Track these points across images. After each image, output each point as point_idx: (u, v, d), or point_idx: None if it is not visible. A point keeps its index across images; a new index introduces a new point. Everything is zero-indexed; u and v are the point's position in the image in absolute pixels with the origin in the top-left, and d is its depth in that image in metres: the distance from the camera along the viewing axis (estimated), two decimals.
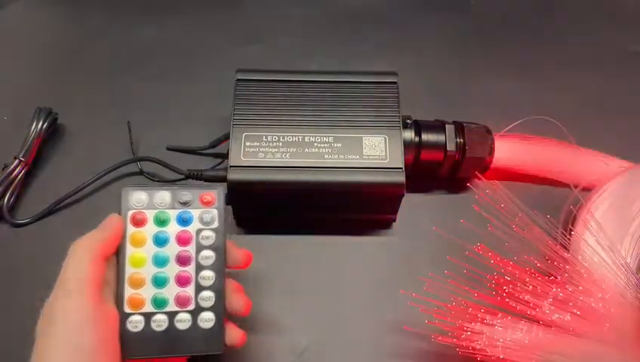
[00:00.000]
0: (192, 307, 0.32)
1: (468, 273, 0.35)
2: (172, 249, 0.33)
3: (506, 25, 0.61)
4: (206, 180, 0.44)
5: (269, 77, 0.44)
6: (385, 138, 0.42)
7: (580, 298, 0.35)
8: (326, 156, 0.41)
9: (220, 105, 0.48)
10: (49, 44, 0.58)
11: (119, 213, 0.33)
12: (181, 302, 0.32)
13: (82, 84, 0.54)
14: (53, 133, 0.50)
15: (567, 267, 0.36)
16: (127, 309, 0.31)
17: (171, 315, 0.32)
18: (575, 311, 0.35)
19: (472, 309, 0.36)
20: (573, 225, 0.40)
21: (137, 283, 0.32)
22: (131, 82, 0.54)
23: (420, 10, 0.62)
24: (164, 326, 0.32)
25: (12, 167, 0.46)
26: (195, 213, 0.33)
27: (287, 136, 0.42)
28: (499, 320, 0.35)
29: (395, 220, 0.46)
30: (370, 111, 0.43)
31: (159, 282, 0.32)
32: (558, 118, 0.46)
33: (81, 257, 0.30)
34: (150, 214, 0.33)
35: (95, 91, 0.54)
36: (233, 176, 0.40)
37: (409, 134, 0.44)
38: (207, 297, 0.32)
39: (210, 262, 0.33)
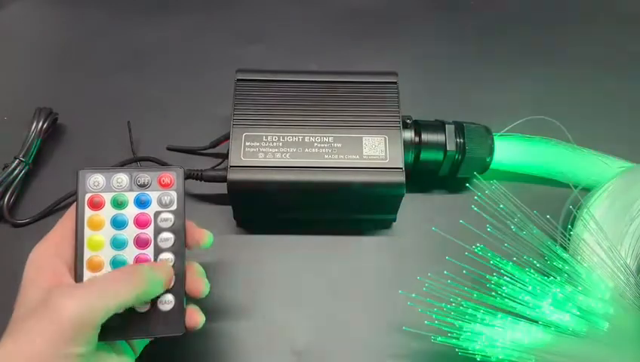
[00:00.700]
0: None
1: (467, 273, 0.35)
2: (130, 231, 0.32)
3: (506, 25, 0.61)
4: (206, 180, 0.44)
5: (269, 77, 0.44)
6: (385, 138, 0.42)
7: (580, 298, 0.35)
8: (326, 156, 0.41)
9: (220, 105, 0.49)
10: (49, 44, 0.58)
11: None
12: None
13: (82, 84, 0.54)
14: (53, 133, 0.50)
15: (567, 267, 0.36)
16: None
17: None
18: (575, 311, 0.35)
19: (471, 309, 0.36)
20: (572, 226, 0.40)
21: (96, 267, 0.32)
22: (131, 82, 0.54)
23: (420, 10, 0.62)
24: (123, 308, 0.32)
25: (12, 167, 0.46)
26: (153, 195, 0.33)
27: (287, 136, 0.42)
28: (498, 321, 0.35)
29: (395, 220, 0.46)
30: (370, 111, 0.43)
31: (118, 265, 0.32)
32: (558, 118, 0.46)
33: (39, 269, 0.30)
34: (107, 197, 0.32)
35: (95, 91, 0.54)
36: (233, 176, 0.40)
37: (409, 134, 0.44)
38: None
39: (169, 244, 0.33)
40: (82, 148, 0.50)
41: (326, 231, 0.45)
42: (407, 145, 0.43)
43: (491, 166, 0.46)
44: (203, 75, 0.55)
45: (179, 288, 0.32)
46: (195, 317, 0.33)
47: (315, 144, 0.42)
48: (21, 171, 0.46)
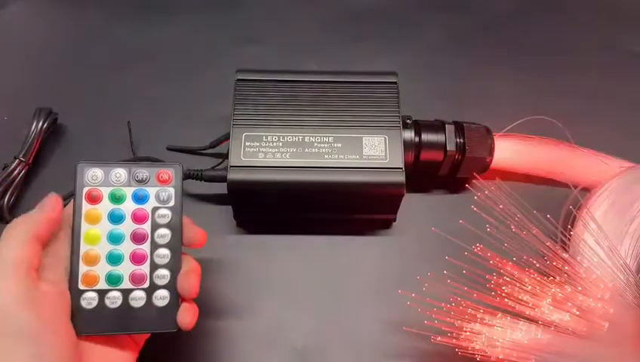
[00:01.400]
0: (146, 285, 0.32)
1: (467, 273, 0.35)
2: (127, 226, 0.33)
3: (506, 25, 0.61)
4: (206, 180, 0.44)
5: (269, 77, 0.44)
6: (385, 138, 0.42)
7: (580, 298, 0.35)
8: (326, 156, 0.41)
9: (220, 105, 0.49)
10: (49, 44, 0.58)
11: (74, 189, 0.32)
12: (136, 279, 0.32)
13: (82, 84, 0.54)
14: (53, 133, 0.50)
15: (567, 267, 0.36)
16: (81, 286, 0.31)
17: (126, 292, 0.32)
18: (575, 311, 0.35)
19: (471, 309, 0.36)
20: (572, 226, 0.40)
21: (92, 260, 0.32)
22: (131, 82, 0.54)
23: (419, 10, 0.62)
24: (118, 303, 0.32)
25: (12, 167, 0.46)
26: (151, 190, 0.33)
27: (287, 136, 0.42)
28: (498, 321, 0.35)
29: (395, 220, 0.46)
30: (370, 111, 0.43)
31: (114, 259, 0.32)
32: (558, 118, 0.46)
33: (15, 238, 0.29)
34: (105, 191, 0.33)
35: (95, 91, 0.54)
36: (233, 176, 0.40)
37: (409, 134, 0.44)
38: (163, 275, 0.32)
39: (165, 240, 0.33)
40: (82, 148, 0.50)
41: (326, 231, 0.45)
42: (407, 145, 0.43)
43: (491, 166, 0.46)
44: (203, 75, 0.55)
45: (174, 284, 0.33)
46: (186, 317, 0.32)
47: (315, 144, 0.42)
48: (21, 171, 0.46)
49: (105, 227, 0.32)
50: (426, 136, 0.44)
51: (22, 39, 0.59)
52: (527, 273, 0.35)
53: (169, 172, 0.34)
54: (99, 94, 0.53)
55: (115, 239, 0.32)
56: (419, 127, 0.45)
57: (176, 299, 0.32)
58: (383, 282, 0.43)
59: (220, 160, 0.47)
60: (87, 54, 0.57)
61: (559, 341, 0.35)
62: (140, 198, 0.33)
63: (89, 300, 0.31)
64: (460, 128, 0.45)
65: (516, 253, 0.36)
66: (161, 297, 0.32)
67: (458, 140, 0.44)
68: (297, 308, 0.42)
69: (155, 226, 0.33)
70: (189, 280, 0.32)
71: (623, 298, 0.36)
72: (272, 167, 0.41)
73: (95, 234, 0.32)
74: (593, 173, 0.46)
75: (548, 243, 0.36)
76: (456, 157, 0.45)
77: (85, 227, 0.32)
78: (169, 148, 0.47)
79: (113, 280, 0.32)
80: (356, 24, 0.60)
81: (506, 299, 0.35)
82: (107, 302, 0.32)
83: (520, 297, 0.35)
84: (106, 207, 0.33)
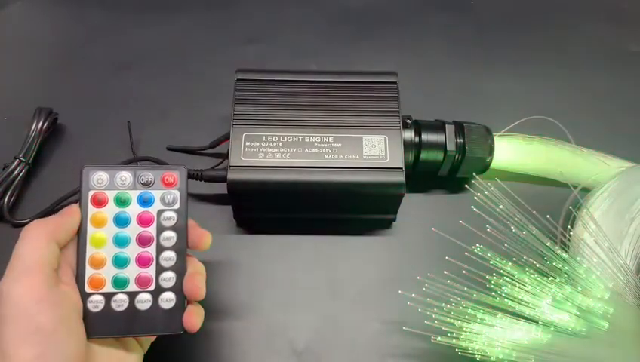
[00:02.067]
0: (152, 287, 0.32)
1: (467, 273, 0.35)
2: (133, 229, 0.33)
3: (506, 25, 0.61)
4: (206, 180, 0.44)
5: (269, 77, 0.44)
6: (385, 138, 0.42)
7: (580, 298, 0.35)
8: (326, 156, 0.41)
9: (220, 105, 0.49)
10: (49, 44, 0.58)
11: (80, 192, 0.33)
12: (142, 282, 0.32)
13: (82, 84, 0.54)
14: (53, 133, 0.50)
15: (567, 267, 0.36)
16: (87, 289, 0.31)
17: (132, 295, 0.32)
18: (575, 311, 0.35)
19: (471, 309, 0.36)
20: (572, 226, 0.40)
21: (98, 263, 0.32)
22: (131, 82, 0.54)
23: (420, 10, 0.62)
24: (125, 306, 0.32)
25: (12, 167, 0.46)
26: (156, 193, 0.33)
27: (287, 136, 0.42)
28: (498, 321, 0.35)
29: (395, 220, 0.46)
30: (370, 111, 0.43)
31: (120, 262, 0.32)
32: (558, 118, 0.46)
33: (35, 239, 0.29)
34: (111, 194, 0.33)
35: (95, 91, 0.54)
36: (233, 176, 0.40)
37: (409, 134, 0.44)
38: (168, 278, 0.33)
39: (171, 243, 0.33)
40: (82, 148, 0.50)
41: (326, 231, 0.45)
42: (407, 145, 0.43)
43: (491, 166, 0.46)
44: (203, 75, 0.55)
45: (180, 286, 0.33)
46: (192, 319, 0.32)
47: (315, 144, 0.42)
48: (21, 171, 0.46)
49: (110, 230, 0.32)
50: (426, 136, 0.44)
51: (22, 39, 0.59)
52: (527, 273, 0.35)
53: (174, 174, 0.34)
54: (99, 94, 0.53)
55: (120, 242, 0.32)
56: (419, 127, 0.45)
57: (182, 301, 0.33)
58: (382, 282, 0.43)
59: (220, 160, 0.47)
60: (87, 54, 0.57)
61: (559, 341, 0.35)
62: (145, 201, 0.33)
63: (95, 303, 0.31)
64: (459, 128, 0.45)
65: (516, 253, 0.36)
66: (167, 299, 0.32)
67: (458, 140, 0.44)
68: (297, 308, 0.42)
69: (160, 229, 0.33)
70: (195, 282, 0.32)
71: (623, 298, 0.36)
72: (272, 167, 0.41)
73: (101, 237, 0.32)
74: (593, 173, 0.46)
75: (548, 244, 0.36)
76: (456, 157, 0.45)
77: (91, 230, 0.32)
78: (169, 148, 0.47)
79: (119, 283, 0.32)
80: (356, 24, 0.60)
81: (505, 299, 0.35)
82: (113, 305, 0.32)
83: (520, 297, 0.35)
84: (111, 210, 0.33)
